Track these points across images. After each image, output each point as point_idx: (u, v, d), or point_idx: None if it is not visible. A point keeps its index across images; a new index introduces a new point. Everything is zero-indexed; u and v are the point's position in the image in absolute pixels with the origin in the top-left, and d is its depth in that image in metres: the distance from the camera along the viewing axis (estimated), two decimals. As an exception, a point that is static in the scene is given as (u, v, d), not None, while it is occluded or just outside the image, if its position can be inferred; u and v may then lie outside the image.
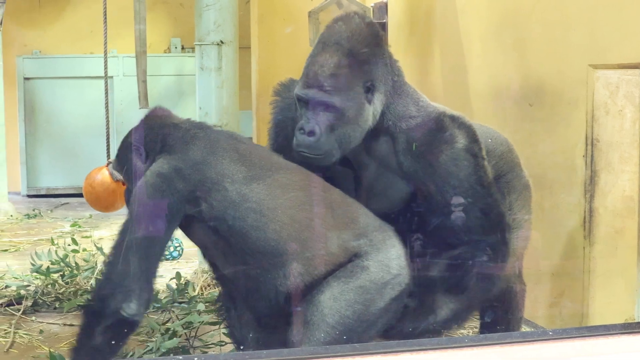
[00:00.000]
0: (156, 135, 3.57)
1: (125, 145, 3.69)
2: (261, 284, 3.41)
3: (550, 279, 4.83)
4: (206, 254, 3.69)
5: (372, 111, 3.55)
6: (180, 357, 2.29)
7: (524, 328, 4.51)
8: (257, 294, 3.45)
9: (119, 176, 3.82)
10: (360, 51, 3.52)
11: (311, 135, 3.49)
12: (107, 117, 6.50)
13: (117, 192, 5.18)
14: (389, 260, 3.42)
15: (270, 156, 3.64)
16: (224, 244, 3.45)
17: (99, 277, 5.20)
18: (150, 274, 3.36)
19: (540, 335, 2.79)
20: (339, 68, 3.48)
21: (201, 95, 7.02)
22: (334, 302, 3.32)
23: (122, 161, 3.71)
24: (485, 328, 4.24)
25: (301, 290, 3.37)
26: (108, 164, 5.45)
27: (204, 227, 3.45)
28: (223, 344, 4.49)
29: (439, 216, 3.56)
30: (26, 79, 11.28)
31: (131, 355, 4.37)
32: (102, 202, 5.31)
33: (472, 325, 4.77)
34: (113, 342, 3.33)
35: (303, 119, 3.52)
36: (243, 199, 3.37)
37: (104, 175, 5.32)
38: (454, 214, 3.54)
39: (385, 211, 3.70)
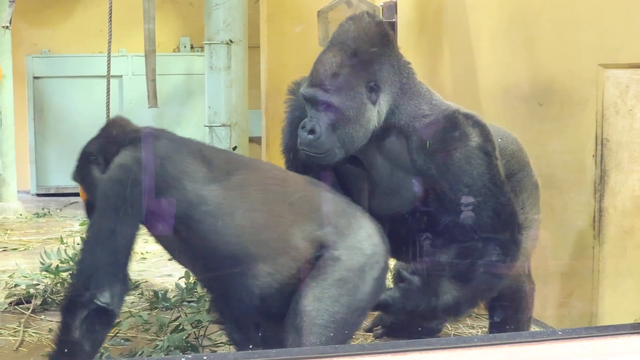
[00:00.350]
0: (116, 144, 3.57)
1: (85, 155, 3.71)
2: (230, 286, 3.41)
3: (559, 278, 4.82)
4: (174, 258, 3.71)
5: (376, 112, 3.55)
6: (190, 356, 2.29)
7: (533, 328, 4.50)
8: (230, 296, 3.46)
9: None
10: (365, 51, 3.52)
11: (312, 133, 3.51)
12: (108, 116, 6.49)
13: None
14: (359, 242, 3.41)
15: (232, 158, 3.67)
16: (186, 247, 3.47)
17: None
18: (120, 264, 3.40)
19: (550, 335, 2.79)
20: (341, 67, 3.49)
21: (210, 94, 7.04)
22: (319, 302, 3.31)
23: (81, 171, 3.73)
24: (494, 328, 4.24)
25: (276, 288, 3.37)
26: None
27: (166, 227, 3.46)
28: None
29: (450, 214, 3.56)
30: (35, 78, 11.29)
31: (140, 354, 4.38)
32: None
33: (481, 325, 4.77)
34: (92, 337, 3.37)
35: (307, 117, 3.55)
36: (201, 200, 3.39)
37: None
38: (466, 213, 3.54)
39: (398, 210, 3.70)
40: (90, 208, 3.72)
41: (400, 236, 3.78)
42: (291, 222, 3.40)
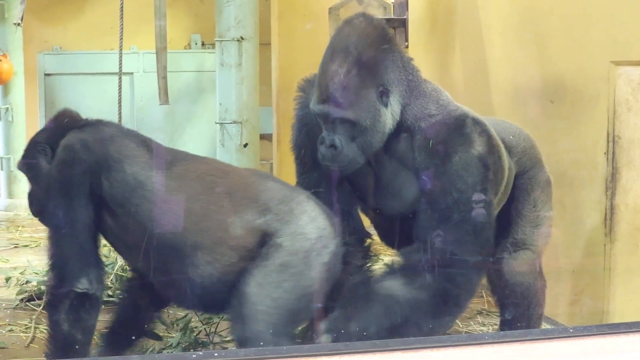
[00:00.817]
0: (64, 134, 3.61)
1: (32, 145, 3.75)
2: (172, 275, 3.42)
3: (570, 276, 4.81)
4: (116, 249, 3.74)
5: (390, 113, 3.52)
6: (200, 352, 2.30)
7: (544, 325, 4.49)
8: (172, 285, 3.47)
9: None
10: (369, 56, 3.47)
11: (332, 148, 3.49)
12: (120, 113, 6.50)
13: None
14: (301, 228, 3.39)
15: (177, 152, 3.70)
16: (126, 234, 3.48)
17: (119, 272, 5.23)
18: (87, 247, 3.44)
19: (561, 332, 2.77)
20: (350, 78, 3.44)
21: (221, 91, 7.04)
22: (260, 288, 3.29)
23: (28, 161, 3.76)
24: (506, 325, 4.23)
25: (217, 277, 3.38)
26: None
27: (108, 212, 3.49)
28: (242, 339, 4.48)
29: (432, 219, 3.49)
30: (47, 75, 11.30)
31: (151, 351, 4.38)
32: None
33: (492, 322, 4.77)
34: (81, 325, 3.42)
35: (323, 131, 3.52)
36: (138, 185, 3.43)
37: None
38: (446, 221, 3.45)
39: (401, 209, 3.69)
40: (32, 199, 3.76)
41: (405, 234, 3.76)
42: (230, 212, 3.41)
